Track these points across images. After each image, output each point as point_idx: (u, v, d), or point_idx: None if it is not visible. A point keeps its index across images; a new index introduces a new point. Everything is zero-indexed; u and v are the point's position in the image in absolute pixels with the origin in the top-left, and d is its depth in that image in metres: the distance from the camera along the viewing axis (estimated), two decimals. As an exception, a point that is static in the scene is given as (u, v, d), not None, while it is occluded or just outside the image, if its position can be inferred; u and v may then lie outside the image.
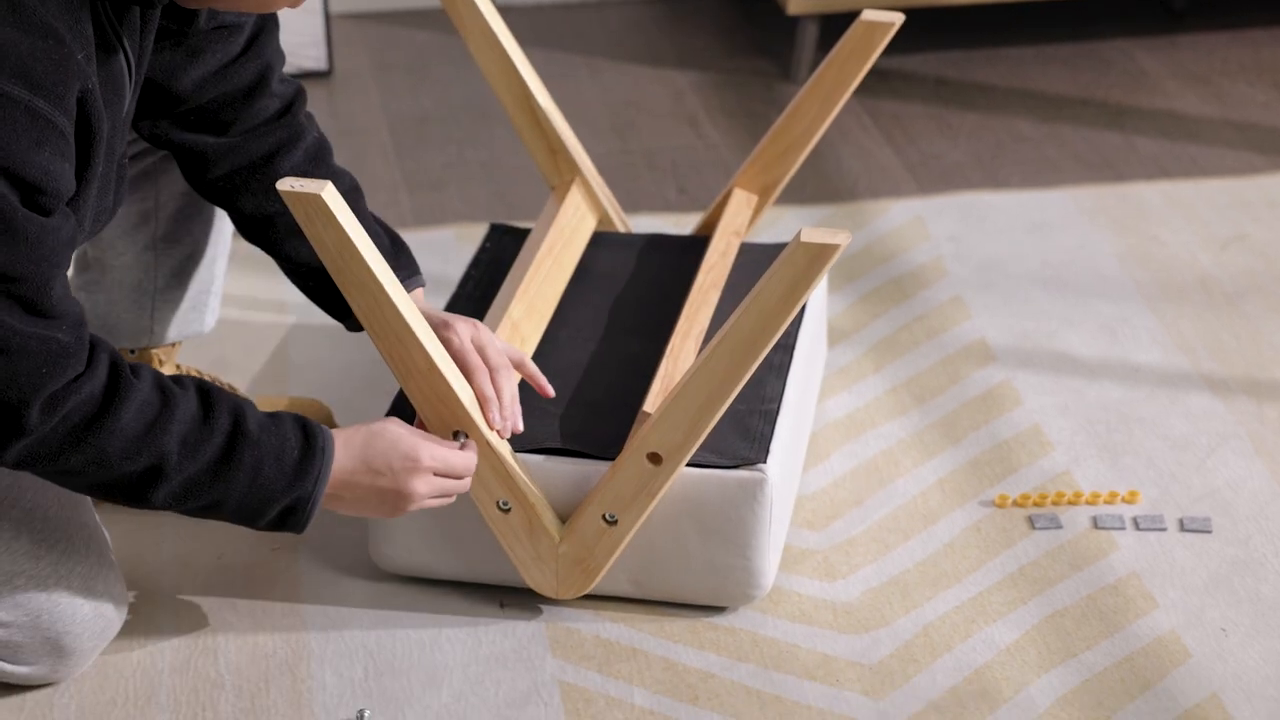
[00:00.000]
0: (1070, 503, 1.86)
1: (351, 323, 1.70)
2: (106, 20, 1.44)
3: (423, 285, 1.73)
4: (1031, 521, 1.84)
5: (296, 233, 1.67)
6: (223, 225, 1.86)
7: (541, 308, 1.83)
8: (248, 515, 1.53)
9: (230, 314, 2.14)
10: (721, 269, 1.87)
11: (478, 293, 1.90)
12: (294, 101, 1.69)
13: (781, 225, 2.34)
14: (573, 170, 1.98)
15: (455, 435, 1.62)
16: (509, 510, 1.65)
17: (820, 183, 2.47)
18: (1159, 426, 1.98)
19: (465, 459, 1.59)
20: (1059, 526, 1.83)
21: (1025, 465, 1.92)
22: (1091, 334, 2.14)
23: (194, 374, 1.94)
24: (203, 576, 1.77)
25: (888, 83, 2.72)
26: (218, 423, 1.49)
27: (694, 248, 1.96)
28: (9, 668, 1.60)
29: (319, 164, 1.70)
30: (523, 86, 1.95)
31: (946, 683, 1.64)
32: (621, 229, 2.03)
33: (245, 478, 1.49)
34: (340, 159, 2.52)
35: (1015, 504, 1.86)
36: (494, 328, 1.74)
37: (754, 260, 1.93)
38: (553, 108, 1.97)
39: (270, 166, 1.67)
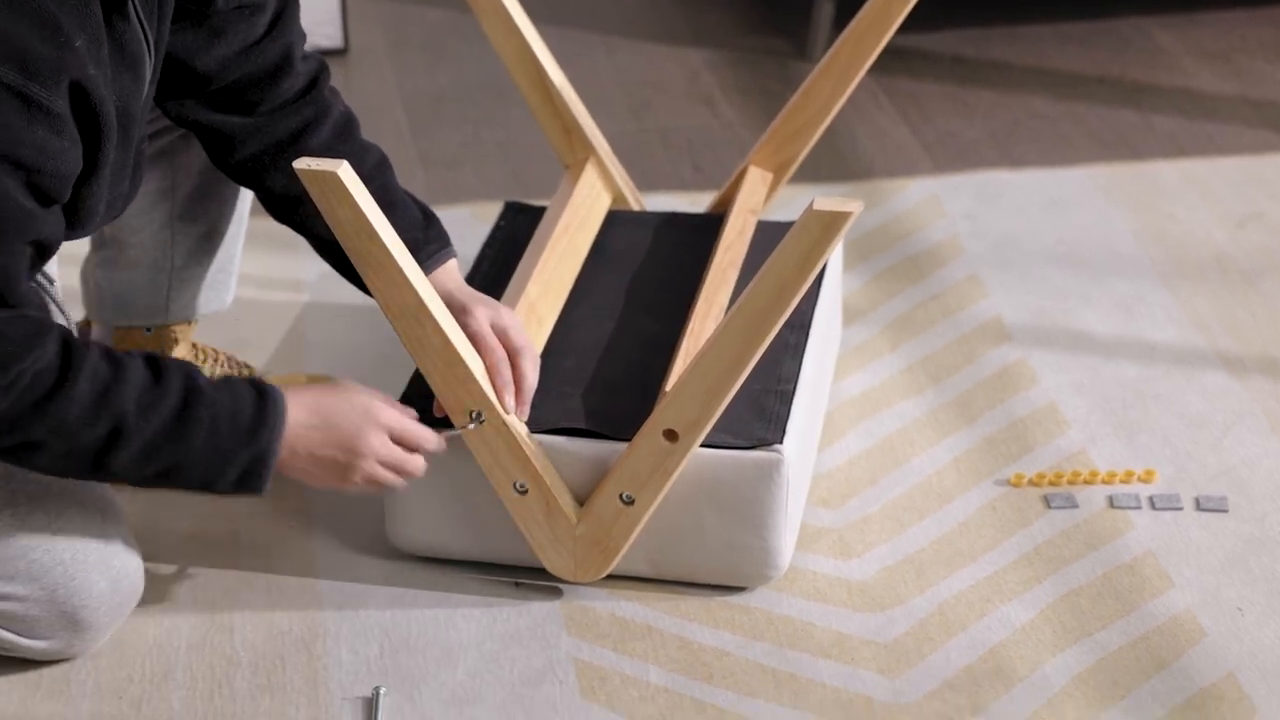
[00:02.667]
0: (1086, 482, 1.86)
1: None
2: (130, 3, 1.44)
3: (454, 256, 1.71)
4: (1047, 500, 1.84)
5: None
6: (241, 204, 1.86)
7: (558, 287, 1.83)
8: (208, 477, 1.52)
9: (246, 293, 2.14)
10: (739, 247, 1.87)
11: (493, 271, 1.90)
12: (318, 78, 1.69)
13: (797, 204, 2.34)
14: (587, 149, 1.98)
15: (472, 415, 1.61)
16: (526, 492, 1.65)
17: (836, 161, 2.47)
18: (1175, 405, 1.97)
19: (425, 432, 1.59)
20: (1074, 505, 1.83)
21: (1041, 444, 1.91)
22: (1107, 312, 2.13)
23: (210, 352, 1.95)
24: (219, 553, 1.77)
25: (904, 61, 2.71)
26: (170, 383, 1.49)
27: (709, 226, 1.95)
28: (25, 642, 1.60)
29: (347, 139, 1.69)
30: (537, 65, 1.94)
31: (961, 661, 1.64)
32: (636, 208, 2.03)
33: (202, 435, 1.49)
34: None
35: (1031, 483, 1.86)
36: (511, 306, 1.74)
37: (771, 238, 1.92)
38: (567, 86, 1.97)
39: (298, 144, 1.67)
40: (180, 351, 1.87)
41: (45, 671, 1.63)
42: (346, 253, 1.55)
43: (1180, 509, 1.83)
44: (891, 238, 2.28)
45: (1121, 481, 1.86)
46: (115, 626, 1.64)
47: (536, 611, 1.70)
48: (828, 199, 1.50)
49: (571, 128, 1.97)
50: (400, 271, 1.55)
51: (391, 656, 1.65)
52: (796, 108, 1.95)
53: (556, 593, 1.72)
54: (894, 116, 2.59)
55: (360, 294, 2.12)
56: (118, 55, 1.45)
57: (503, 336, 1.63)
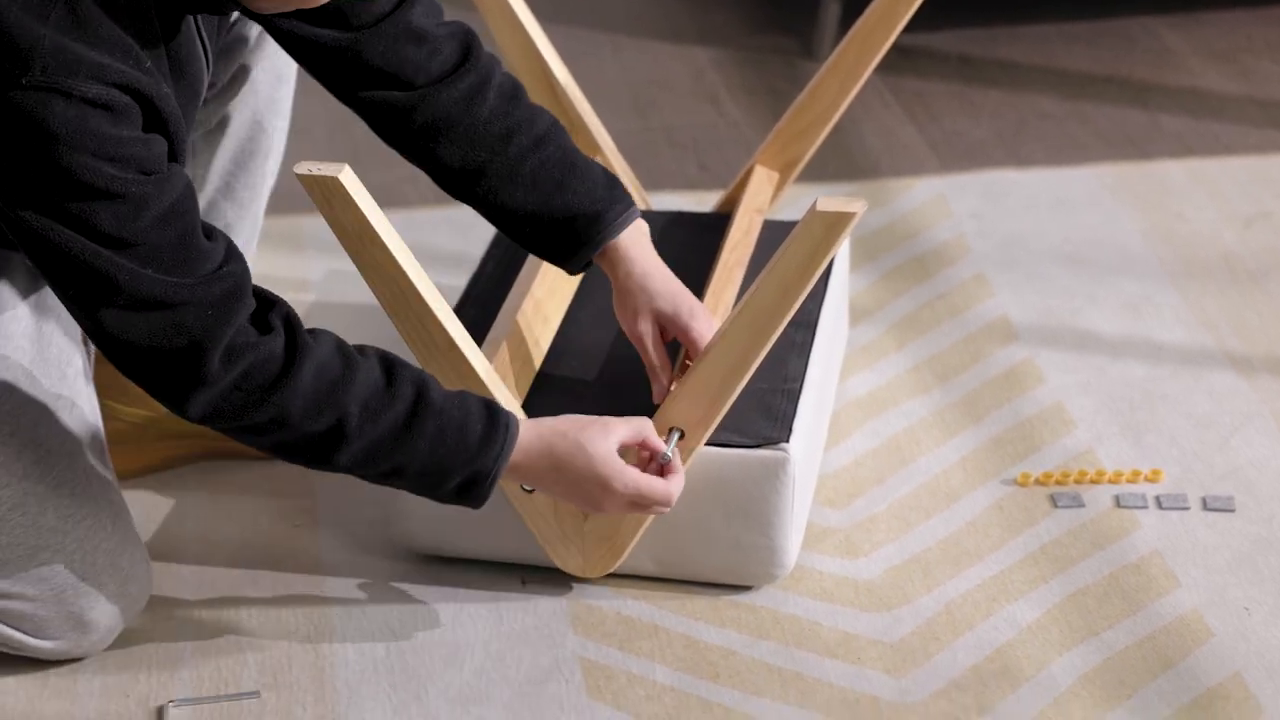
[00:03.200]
0: (1093, 481, 1.85)
1: (572, 265, 1.67)
2: (191, 21, 1.45)
3: (639, 217, 1.67)
4: (1054, 500, 1.84)
5: (510, 179, 1.64)
6: (256, 206, 1.86)
7: (565, 287, 1.83)
8: (428, 484, 1.52)
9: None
10: (745, 247, 1.87)
11: (499, 272, 1.90)
12: (470, 43, 1.66)
13: (803, 203, 2.34)
14: (593, 148, 1.98)
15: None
16: (533, 490, 1.65)
17: (842, 160, 2.47)
18: (1182, 405, 1.97)
19: (664, 490, 1.57)
20: (1081, 505, 1.83)
21: (1047, 443, 1.91)
22: (1114, 312, 2.13)
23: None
24: (225, 552, 1.77)
25: (910, 60, 2.71)
26: (400, 390, 1.49)
27: (715, 225, 1.95)
28: (33, 642, 1.60)
29: (515, 102, 1.66)
30: (542, 63, 1.94)
31: (968, 661, 1.64)
32: (642, 207, 2.03)
33: (427, 446, 1.49)
34: (358, 134, 2.52)
35: (1037, 482, 1.86)
36: (517, 307, 1.74)
37: (777, 238, 1.92)
38: (572, 84, 1.97)
39: (469, 113, 1.64)
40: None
41: (52, 670, 1.63)
42: (349, 256, 1.55)
43: (1187, 509, 1.82)
44: (898, 237, 2.28)
45: (1128, 481, 1.86)
46: (123, 627, 1.64)
47: (543, 610, 1.70)
48: (831, 199, 1.50)
49: (576, 126, 1.97)
50: (403, 274, 1.55)
51: (398, 655, 1.65)
52: (802, 107, 1.95)
53: (563, 591, 1.72)
54: (900, 116, 2.59)
55: (366, 294, 2.13)
56: (177, 71, 1.46)
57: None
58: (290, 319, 1.47)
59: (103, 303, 1.39)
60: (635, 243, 1.65)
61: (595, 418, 1.56)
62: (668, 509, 1.59)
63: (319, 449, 1.47)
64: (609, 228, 1.64)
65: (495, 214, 1.67)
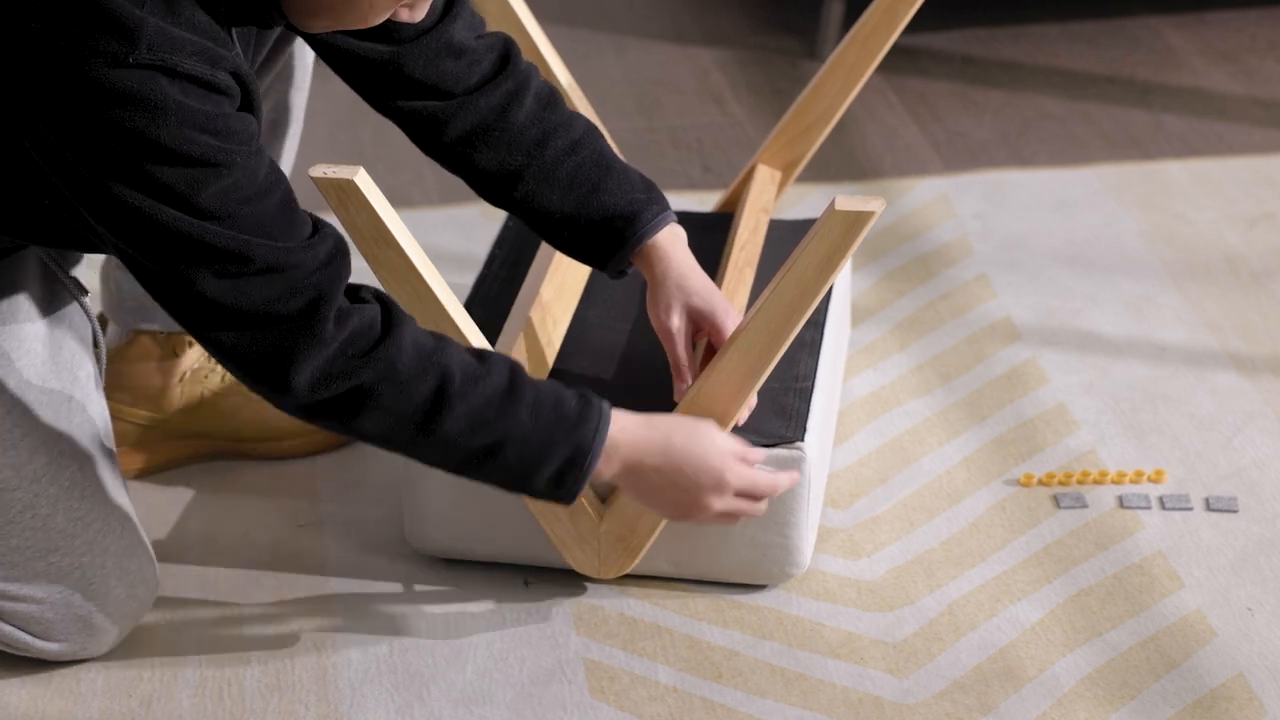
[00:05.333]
0: (1095, 482, 1.86)
1: (612, 268, 1.67)
2: (230, 34, 1.46)
3: (674, 220, 1.67)
4: (1056, 500, 1.84)
5: (546, 181, 1.64)
6: None
7: (572, 287, 1.84)
8: (526, 466, 1.48)
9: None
10: (754, 246, 1.87)
11: (503, 272, 1.90)
12: (509, 52, 1.67)
13: (806, 203, 2.34)
14: (597, 148, 1.98)
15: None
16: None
17: (845, 160, 2.47)
18: (1185, 405, 1.97)
19: (771, 482, 1.58)
20: (1084, 505, 1.83)
21: (1050, 444, 1.91)
22: (1117, 312, 2.13)
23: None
24: (229, 553, 1.78)
25: (913, 60, 2.71)
26: (493, 363, 1.48)
27: (717, 225, 1.95)
28: (39, 644, 1.60)
29: (552, 109, 1.66)
30: (544, 64, 1.95)
31: (970, 661, 1.64)
32: (646, 206, 2.03)
33: (527, 414, 1.47)
34: (364, 135, 2.53)
35: (1040, 483, 1.86)
36: (525, 309, 1.74)
37: (783, 237, 1.92)
38: (574, 85, 1.97)
39: (505, 119, 1.64)
40: (194, 355, 1.88)
41: (55, 670, 1.64)
42: (365, 259, 1.55)
43: (1190, 509, 1.82)
44: (900, 237, 2.28)
45: (1131, 482, 1.86)
46: (129, 630, 1.64)
47: (546, 611, 1.70)
48: (849, 198, 1.49)
49: (581, 127, 1.97)
50: (420, 278, 1.55)
51: (400, 655, 1.66)
52: (804, 106, 1.95)
53: (566, 592, 1.72)
54: (903, 116, 2.59)
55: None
56: None
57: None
58: (379, 292, 1.47)
59: (210, 273, 1.38)
60: (673, 243, 1.66)
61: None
62: (762, 510, 1.59)
63: (424, 414, 1.44)
64: (646, 227, 1.64)
65: (533, 218, 1.67)
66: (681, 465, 1.54)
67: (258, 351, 1.42)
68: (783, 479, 1.60)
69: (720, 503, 1.56)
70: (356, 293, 1.46)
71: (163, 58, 1.35)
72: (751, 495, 1.58)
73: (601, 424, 1.50)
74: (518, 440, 1.47)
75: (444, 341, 1.47)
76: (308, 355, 1.41)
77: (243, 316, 1.40)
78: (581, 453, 1.49)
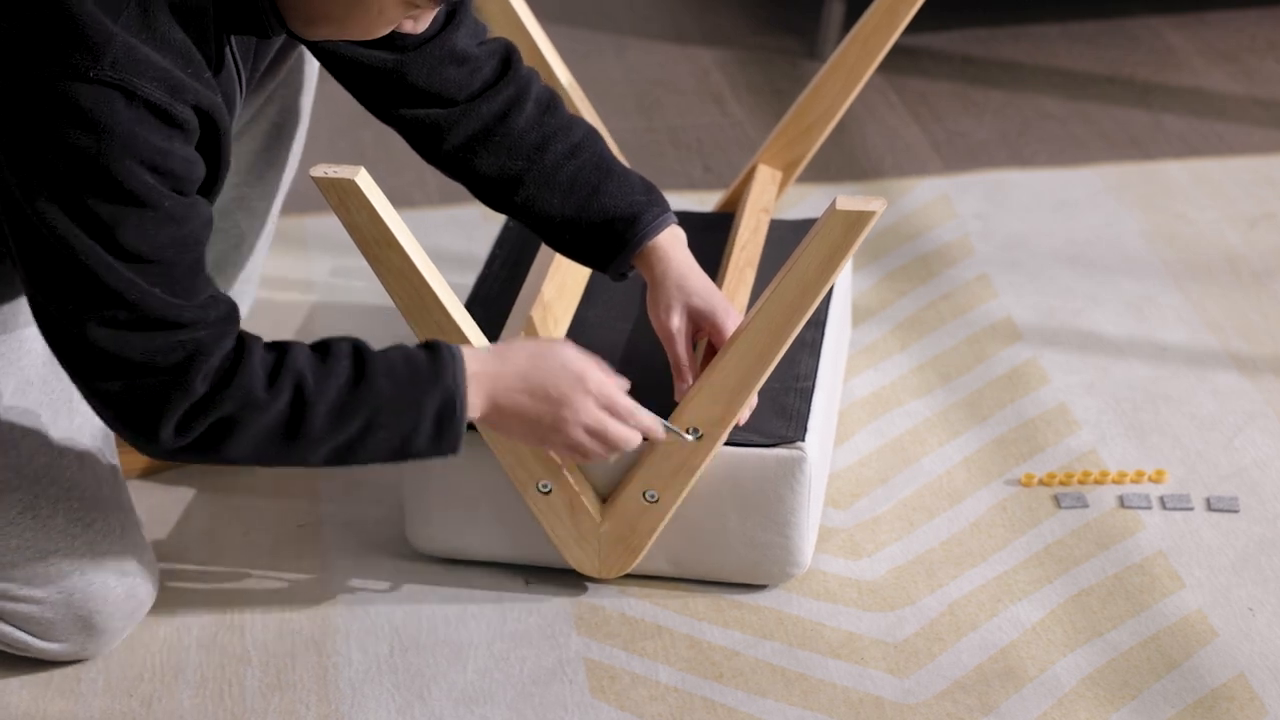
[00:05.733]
0: (1096, 482, 1.85)
1: (614, 270, 1.67)
2: (227, 43, 1.45)
3: (675, 222, 1.67)
4: (1057, 500, 1.84)
5: (547, 185, 1.64)
6: (267, 216, 1.86)
7: (572, 288, 1.83)
8: (403, 431, 1.48)
9: (256, 292, 2.14)
10: (754, 246, 1.87)
11: (504, 272, 1.90)
12: (510, 58, 1.67)
13: (807, 203, 2.34)
14: (598, 148, 1.98)
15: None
16: (549, 491, 1.65)
17: (846, 160, 2.47)
18: (1186, 405, 1.97)
19: (630, 403, 1.56)
20: (1085, 505, 1.83)
21: (1051, 444, 1.91)
22: (1118, 312, 2.13)
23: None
24: (229, 553, 1.78)
25: (914, 60, 2.71)
26: (334, 350, 1.47)
27: (718, 224, 1.95)
28: (39, 644, 1.60)
29: (552, 113, 1.66)
30: (544, 64, 1.95)
31: (971, 661, 1.64)
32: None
33: (384, 385, 1.46)
34: (364, 137, 2.53)
35: (1041, 483, 1.86)
36: (526, 309, 1.74)
37: (784, 237, 1.92)
38: (574, 85, 1.97)
39: (505, 125, 1.64)
40: None
41: (56, 670, 1.64)
42: (366, 260, 1.55)
43: (1191, 509, 1.82)
44: (901, 237, 2.28)
45: (1132, 481, 1.86)
46: (129, 630, 1.64)
47: (546, 610, 1.70)
48: (850, 198, 1.49)
49: (581, 127, 1.97)
50: (421, 278, 1.55)
51: (401, 655, 1.66)
52: (805, 106, 1.95)
53: (566, 592, 1.72)
54: (904, 116, 2.59)
55: (369, 293, 2.13)
56: (221, 89, 1.46)
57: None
58: (235, 317, 1.46)
59: (101, 317, 1.37)
60: (673, 244, 1.66)
61: None
62: (629, 445, 1.56)
63: (290, 423, 1.45)
64: (647, 229, 1.64)
65: (535, 222, 1.67)
66: (541, 372, 1.52)
67: (132, 401, 1.41)
68: (645, 414, 1.57)
69: (584, 410, 1.53)
70: (232, 319, 1.45)
71: (124, 78, 1.32)
72: (613, 411, 1.55)
73: (457, 365, 1.49)
74: (385, 413, 1.47)
75: (286, 348, 1.46)
76: (177, 405, 1.41)
77: (123, 365, 1.39)
78: (449, 398, 1.48)
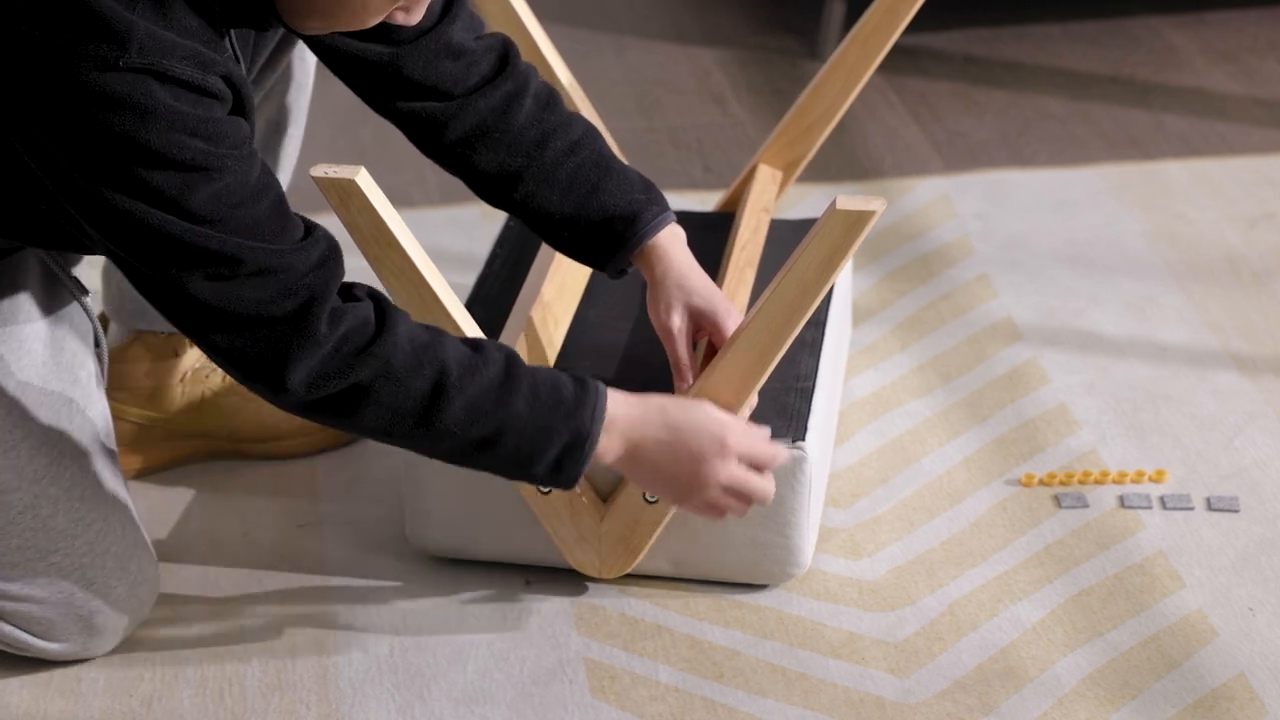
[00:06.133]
0: (1097, 482, 1.85)
1: (612, 268, 1.67)
2: (227, 35, 1.46)
3: (674, 220, 1.67)
4: (1058, 500, 1.84)
5: (546, 183, 1.64)
6: None
7: (573, 287, 1.83)
8: (530, 449, 1.48)
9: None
10: (755, 246, 1.87)
11: (504, 272, 1.90)
12: (508, 53, 1.67)
13: (807, 203, 2.34)
14: (598, 148, 1.98)
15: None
16: (549, 492, 1.65)
17: (846, 160, 2.47)
18: (1186, 405, 1.97)
19: (773, 450, 1.56)
20: (1085, 505, 1.83)
21: (1051, 444, 1.91)
22: (1118, 312, 2.13)
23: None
24: (229, 553, 1.78)
25: (914, 60, 2.71)
26: (488, 353, 1.48)
27: (718, 224, 1.95)
28: (40, 644, 1.60)
29: (551, 110, 1.66)
30: (544, 63, 1.95)
31: (972, 661, 1.64)
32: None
33: (524, 403, 1.46)
34: (364, 136, 2.53)
35: (1041, 483, 1.86)
36: (526, 309, 1.74)
37: (785, 236, 1.92)
38: (574, 85, 1.97)
39: (504, 120, 1.64)
40: (195, 355, 1.88)
41: (56, 669, 1.64)
42: (366, 259, 1.55)
43: (1191, 509, 1.82)
44: (901, 237, 2.28)
45: (1132, 481, 1.86)
46: (129, 630, 1.64)
47: (546, 610, 1.70)
48: (850, 198, 1.49)
49: (582, 127, 1.97)
50: (421, 278, 1.55)
51: (401, 655, 1.66)
52: (805, 106, 1.95)
53: (567, 592, 1.72)
54: (904, 116, 2.59)
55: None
56: None
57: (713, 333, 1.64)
58: (372, 290, 1.47)
59: (202, 275, 1.38)
60: (673, 243, 1.66)
61: None
62: (768, 500, 1.57)
63: (423, 407, 1.44)
64: (646, 228, 1.64)
65: (533, 219, 1.67)
66: (681, 431, 1.53)
67: (253, 353, 1.42)
68: (782, 450, 1.58)
69: (724, 470, 1.54)
70: (350, 291, 1.46)
71: (153, 61, 1.34)
72: (754, 463, 1.56)
73: (599, 405, 1.50)
74: (516, 429, 1.47)
75: (439, 334, 1.47)
76: (302, 355, 1.41)
77: (236, 319, 1.40)
78: (580, 436, 1.49)
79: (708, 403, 1.56)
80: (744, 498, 1.57)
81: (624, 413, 1.52)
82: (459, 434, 1.46)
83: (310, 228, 1.44)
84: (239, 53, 1.50)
